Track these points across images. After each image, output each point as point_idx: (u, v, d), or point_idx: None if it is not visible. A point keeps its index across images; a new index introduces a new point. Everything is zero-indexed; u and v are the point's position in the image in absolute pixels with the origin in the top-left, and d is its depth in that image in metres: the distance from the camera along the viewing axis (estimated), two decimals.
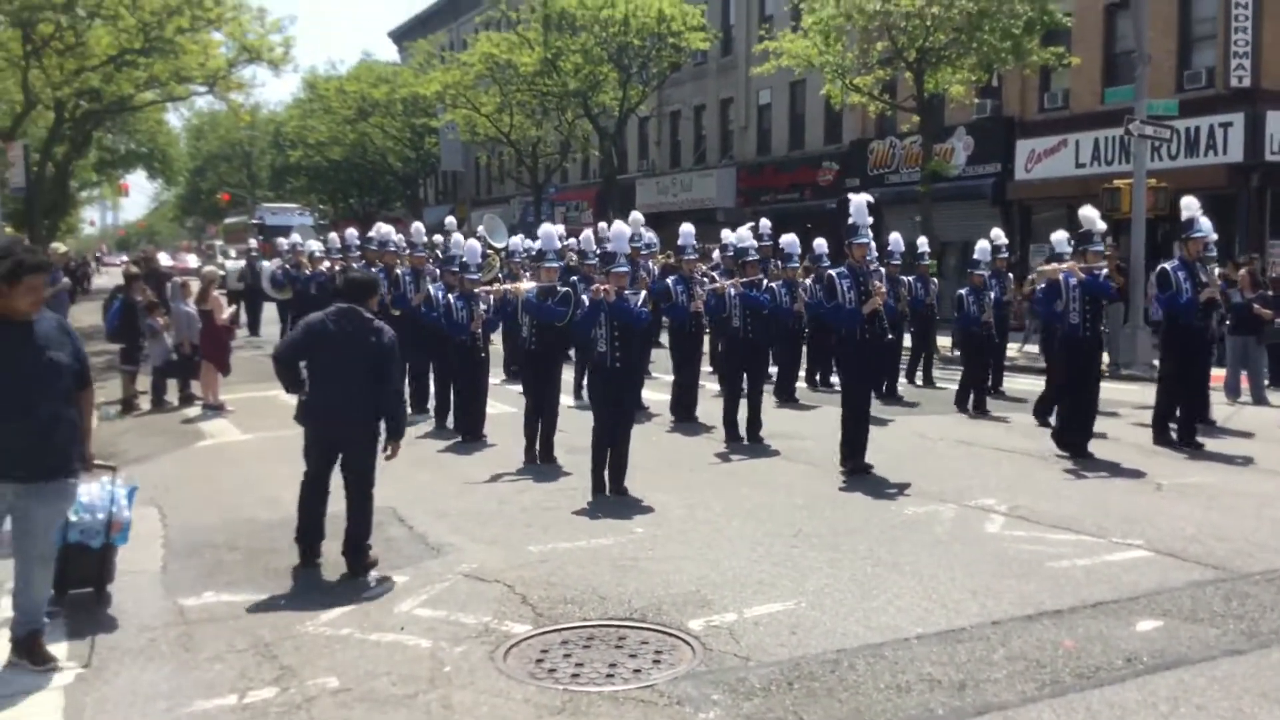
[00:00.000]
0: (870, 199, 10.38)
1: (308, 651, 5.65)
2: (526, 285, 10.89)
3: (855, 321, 9.82)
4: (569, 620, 6.07)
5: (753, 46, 31.56)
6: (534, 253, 15.15)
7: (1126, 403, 13.91)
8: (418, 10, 59.07)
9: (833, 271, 10.16)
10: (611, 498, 9.02)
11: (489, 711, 4.92)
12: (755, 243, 12.41)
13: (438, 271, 14.17)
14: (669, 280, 13.42)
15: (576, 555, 7.32)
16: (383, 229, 15.56)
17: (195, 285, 14.88)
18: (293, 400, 7.66)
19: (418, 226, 15.76)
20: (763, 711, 4.87)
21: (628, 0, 31.60)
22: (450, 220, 21.67)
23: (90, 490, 6.32)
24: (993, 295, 14.02)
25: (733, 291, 11.71)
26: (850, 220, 10.03)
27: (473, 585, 6.68)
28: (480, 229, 18.36)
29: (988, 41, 22.02)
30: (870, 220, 10.08)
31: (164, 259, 35.22)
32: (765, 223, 14.93)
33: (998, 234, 15.11)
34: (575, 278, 14.36)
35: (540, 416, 10.59)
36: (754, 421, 11.68)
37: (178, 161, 65.20)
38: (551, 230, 11.49)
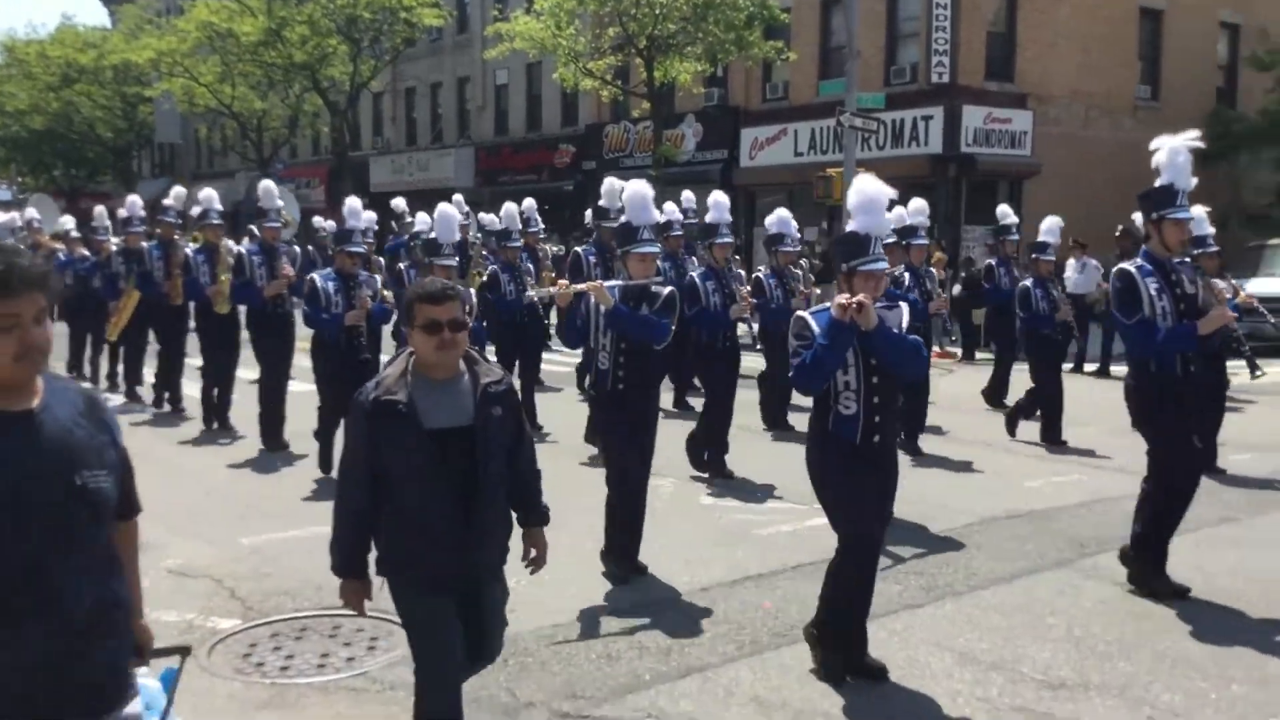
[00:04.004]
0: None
1: None
2: (609, 284, 6.65)
3: (1184, 345, 6.08)
4: (281, 612, 5.90)
5: (487, 27, 31.35)
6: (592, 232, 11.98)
7: None
8: None
9: (1130, 266, 6.19)
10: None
11: (189, 711, 4.72)
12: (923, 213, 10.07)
13: (296, 251, 11.68)
14: (695, 275, 9.48)
15: (293, 545, 7.09)
16: (204, 194, 11.64)
17: None
18: None
19: (267, 185, 11.13)
20: (475, 690, 4.90)
21: None
22: (400, 203, 18.67)
23: None
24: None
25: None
26: (1162, 180, 6.18)
27: (177, 581, 6.37)
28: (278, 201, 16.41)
29: (713, 33, 22.82)
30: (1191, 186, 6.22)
31: None
32: (688, 195, 12.51)
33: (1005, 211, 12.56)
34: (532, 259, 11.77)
35: (628, 506, 6.65)
36: None
37: None
38: (645, 191, 6.92)
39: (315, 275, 8.99)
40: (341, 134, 35.59)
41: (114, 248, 13.12)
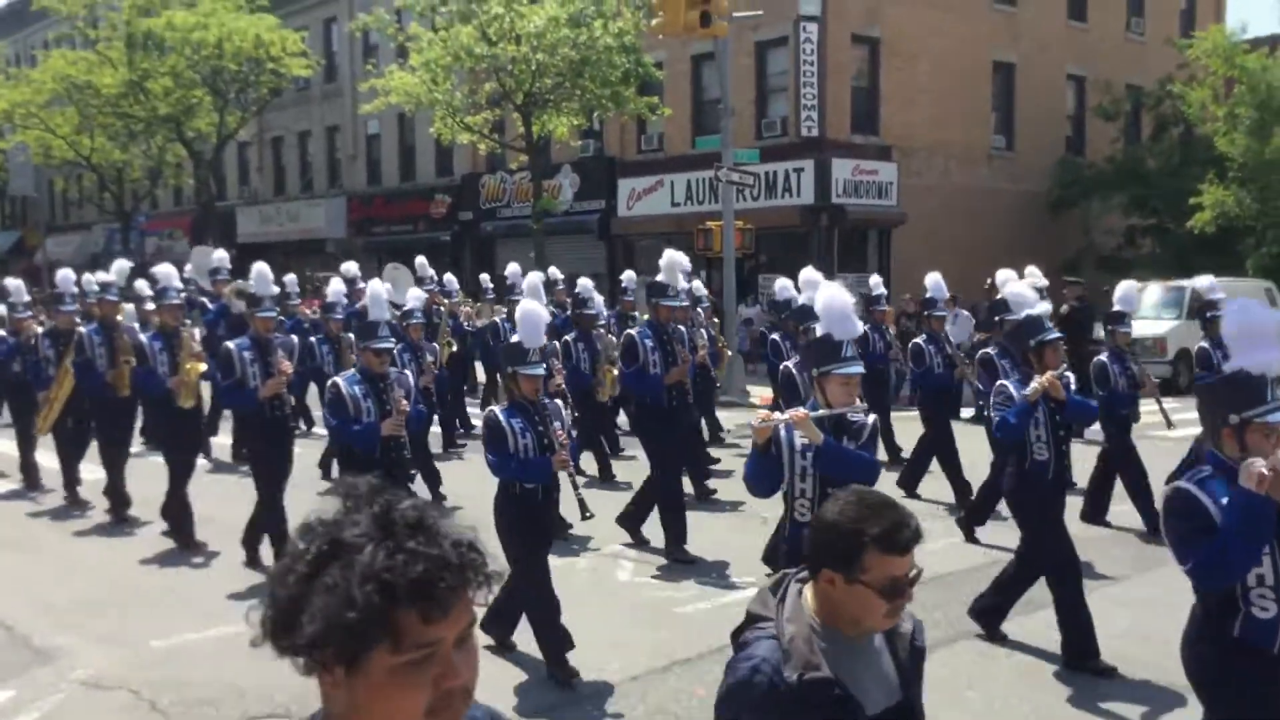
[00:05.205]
0: None
1: None
2: (801, 413, 5.10)
3: None
4: None
5: (358, 79, 31.12)
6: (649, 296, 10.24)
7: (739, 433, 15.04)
8: None
9: None
10: None
11: None
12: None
13: (294, 342, 9.95)
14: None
15: (207, 647, 6.90)
16: (161, 270, 10.19)
17: None
18: None
19: (260, 269, 9.23)
20: None
21: (221, 24, 30.14)
22: (351, 267, 16.21)
23: None
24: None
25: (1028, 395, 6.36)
26: None
27: (92, 695, 6.16)
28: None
29: (589, 89, 23.13)
30: None
31: None
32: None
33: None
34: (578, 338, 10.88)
35: None
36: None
37: None
38: (846, 299, 5.57)
39: (339, 379, 7.32)
40: (207, 185, 34.77)
41: (39, 328, 11.74)
